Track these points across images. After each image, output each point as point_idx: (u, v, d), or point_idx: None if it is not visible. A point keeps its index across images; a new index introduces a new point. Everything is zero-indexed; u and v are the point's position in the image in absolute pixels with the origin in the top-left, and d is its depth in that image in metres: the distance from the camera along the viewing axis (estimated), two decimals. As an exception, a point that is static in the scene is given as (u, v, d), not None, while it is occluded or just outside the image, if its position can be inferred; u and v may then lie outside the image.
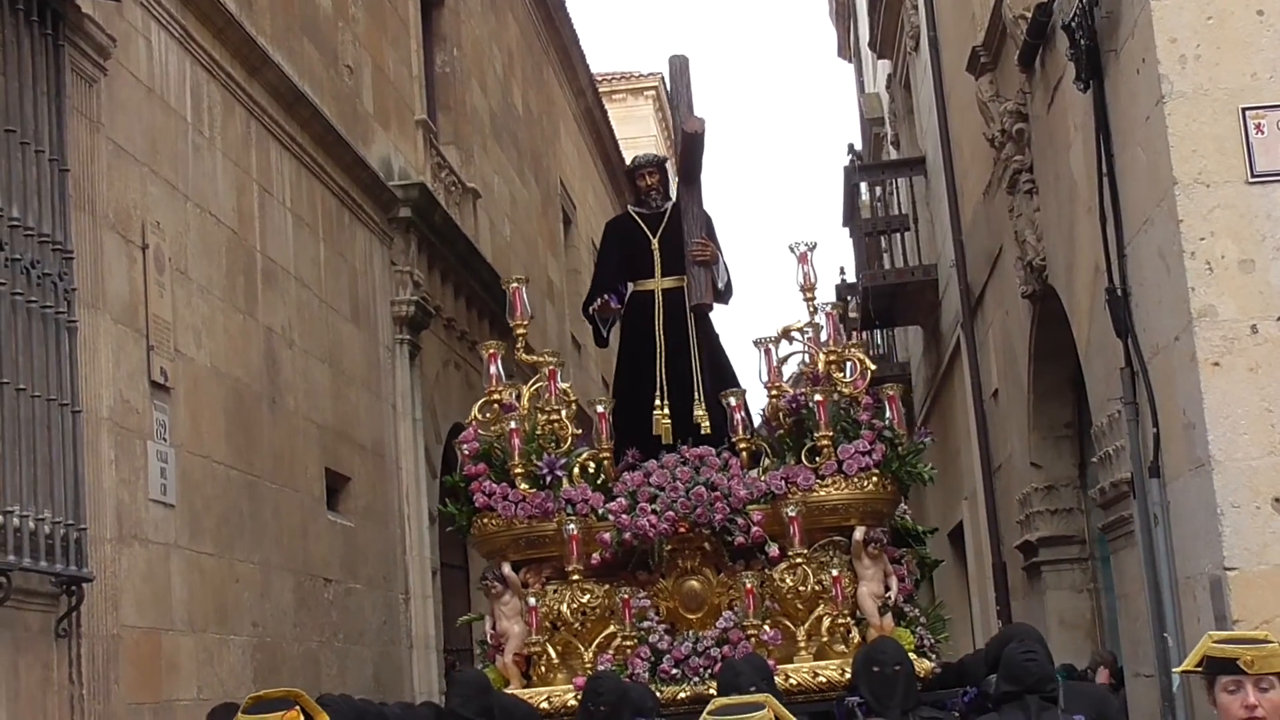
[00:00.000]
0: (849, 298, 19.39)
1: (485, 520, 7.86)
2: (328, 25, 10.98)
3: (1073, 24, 8.11)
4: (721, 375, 8.82)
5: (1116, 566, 9.40)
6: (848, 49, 26.63)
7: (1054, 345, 10.75)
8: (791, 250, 8.32)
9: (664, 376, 8.67)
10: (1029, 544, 11.69)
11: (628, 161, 9.98)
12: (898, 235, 17.03)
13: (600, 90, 24.40)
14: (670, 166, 9.54)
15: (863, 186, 18.42)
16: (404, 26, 12.83)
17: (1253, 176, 7.02)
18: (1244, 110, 7.04)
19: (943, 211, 14.93)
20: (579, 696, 7.04)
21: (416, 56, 13.02)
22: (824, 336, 8.22)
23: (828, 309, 8.20)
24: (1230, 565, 6.75)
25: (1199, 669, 4.22)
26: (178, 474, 7.79)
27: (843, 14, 25.89)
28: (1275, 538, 6.77)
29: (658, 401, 8.57)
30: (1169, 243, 7.16)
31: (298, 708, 4.09)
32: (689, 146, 8.83)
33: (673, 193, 9.25)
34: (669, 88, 9.14)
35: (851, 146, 18.87)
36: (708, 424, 8.32)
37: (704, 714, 4.21)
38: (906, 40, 16.14)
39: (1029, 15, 9.55)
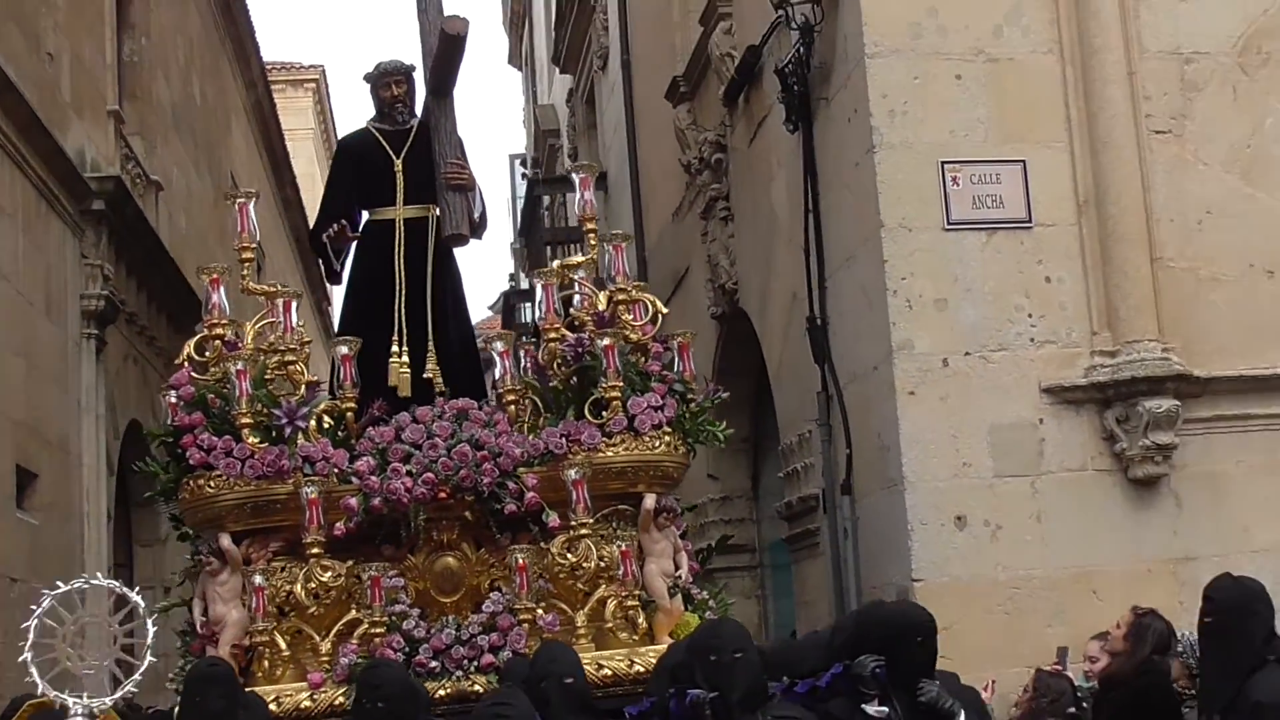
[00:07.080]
0: (517, 304, 19.86)
1: (200, 482, 6.40)
2: (32, 10, 10.69)
3: (786, 69, 8.67)
4: (463, 321, 7.81)
5: (799, 576, 10.02)
6: (519, 58, 27.02)
7: (738, 364, 11.33)
8: (572, 175, 7.41)
9: (403, 319, 7.39)
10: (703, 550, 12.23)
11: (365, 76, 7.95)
12: (575, 245, 17.42)
13: (264, 81, 23.99)
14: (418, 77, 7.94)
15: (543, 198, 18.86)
16: (100, 14, 12.54)
17: (948, 224, 7.74)
18: (943, 163, 7.76)
19: (621, 227, 15.40)
20: (315, 696, 6.06)
21: (110, 45, 12.74)
22: (612, 273, 7.02)
23: (617, 242, 7.06)
24: (917, 577, 7.42)
25: None
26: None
27: (516, 23, 26.25)
28: (956, 552, 7.49)
29: (394, 349, 7.29)
30: (873, 280, 7.78)
31: None
32: (447, 52, 7.48)
33: (419, 109, 7.86)
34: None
35: (536, 159, 19.18)
36: (441, 379, 7.26)
37: None
38: (594, 58, 16.57)
39: (736, 54, 10.11)
